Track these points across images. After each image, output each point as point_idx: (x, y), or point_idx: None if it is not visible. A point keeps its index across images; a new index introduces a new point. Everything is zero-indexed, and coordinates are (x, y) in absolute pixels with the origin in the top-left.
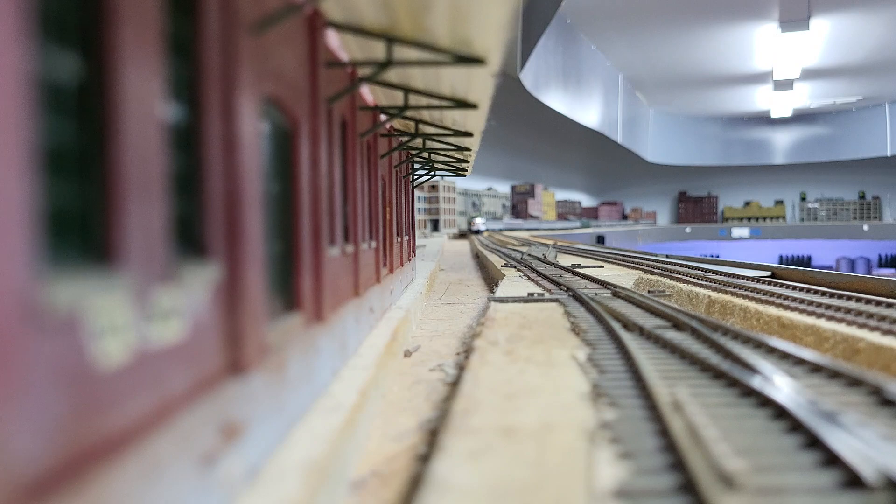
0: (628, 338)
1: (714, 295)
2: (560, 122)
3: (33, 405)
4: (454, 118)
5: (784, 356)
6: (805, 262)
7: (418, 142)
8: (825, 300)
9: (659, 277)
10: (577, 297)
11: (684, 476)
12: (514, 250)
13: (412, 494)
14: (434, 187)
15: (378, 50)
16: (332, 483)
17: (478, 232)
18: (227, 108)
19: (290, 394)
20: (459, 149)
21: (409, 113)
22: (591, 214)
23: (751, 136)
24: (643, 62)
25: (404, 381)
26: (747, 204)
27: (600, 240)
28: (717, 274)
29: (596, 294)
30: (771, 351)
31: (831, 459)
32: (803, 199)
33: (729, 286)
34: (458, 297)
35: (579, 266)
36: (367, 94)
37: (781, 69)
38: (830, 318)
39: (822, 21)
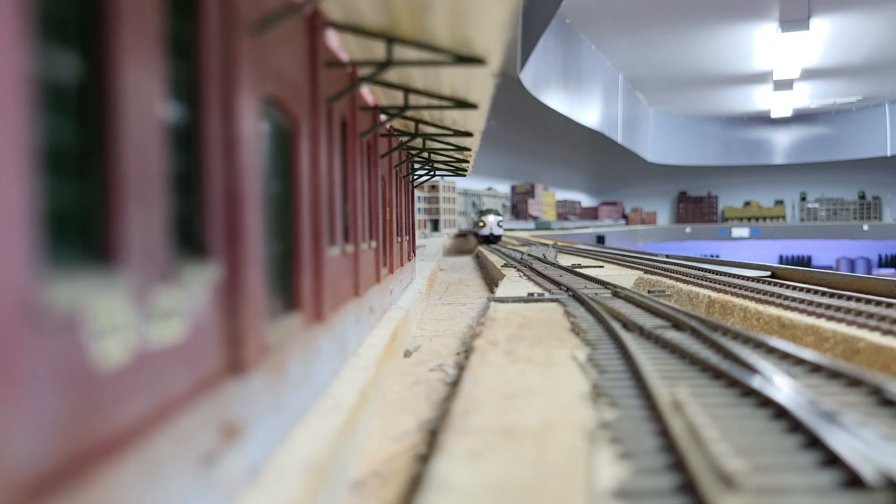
0: (628, 338)
1: (714, 295)
2: (560, 122)
3: (33, 405)
4: (454, 118)
5: (784, 356)
6: (805, 262)
7: (418, 142)
8: (825, 300)
9: (659, 277)
10: (577, 297)
11: (684, 476)
12: (514, 250)
13: (412, 494)
14: (434, 187)
15: (378, 50)
16: (332, 483)
17: (491, 239)
18: (227, 109)
19: (290, 394)
20: (459, 149)
21: (409, 113)
22: (591, 214)
23: (751, 136)
24: (643, 62)
25: (404, 381)
26: (747, 204)
27: (600, 240)
28: (717, 274)
29: (596, 294)
30: (771, 351)
31: (831, 459)
32: (803, 199)
33: (729, 286)
34: (457, 297)
35: (579, 266)
36: (367, 94)
37: (781, 69)
38: (830, 318)
39: (822, 21)
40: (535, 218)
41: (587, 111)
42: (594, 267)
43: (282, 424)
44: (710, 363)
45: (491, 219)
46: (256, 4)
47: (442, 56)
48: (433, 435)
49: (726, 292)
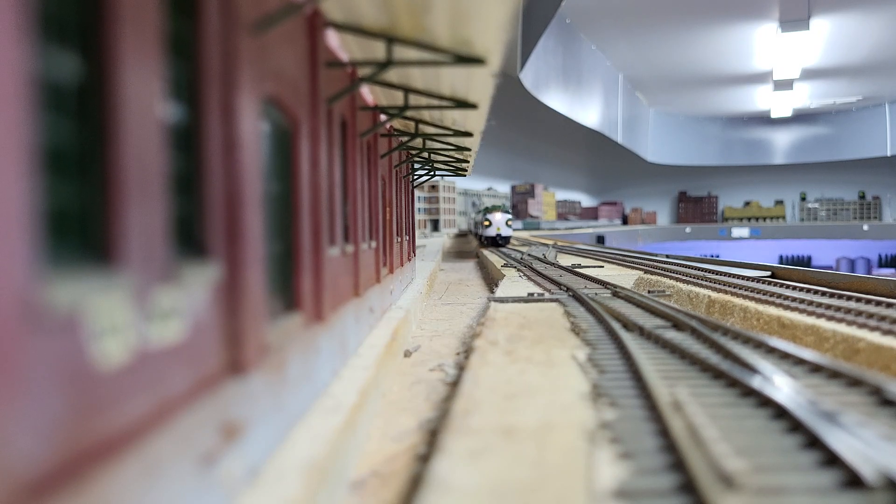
0: (628, 338)
1: (714, 295)
2: (560, 122)
3: (33, 405)
4: (454, 118)
5: (784, 356)
6: (805, 262)
7: (418, 142)
8: (825, 300)
9: (659, 277)
10: (577, 297)
11: (684, 476)
12: (515, 250)
13: (412, 494)
14: (434, 187)
15: (378, 50)
16: (332, 483)
17: (499, 241)
18: (227, 109)
19: (290, 394)
20: (459, 149)
21: (409, 113)
22: (591, 214)
23: (751, 136)
24: (643, 62)
25: (404, 381)
26: (747, 204)
27: (600, 240)
28: (717, 274)
29: (596, 294)
30: (771, 351)
31: (831, 459)
32: (803, 199)
33: (729, 286)
34: (458, 297)
35: (579, 266)
36: (367, 94)
37: (781, 69)
38: (830, 318)
39: (822, 21)
40: (533, 217)
41: (587, 111)
42: (594, 267)
43: (282, 424)
44: (710, 363)
45: (498, 217)
46: (256, 4)
47: (442, 56)
48: (433, 435)
49: (726, 292)
